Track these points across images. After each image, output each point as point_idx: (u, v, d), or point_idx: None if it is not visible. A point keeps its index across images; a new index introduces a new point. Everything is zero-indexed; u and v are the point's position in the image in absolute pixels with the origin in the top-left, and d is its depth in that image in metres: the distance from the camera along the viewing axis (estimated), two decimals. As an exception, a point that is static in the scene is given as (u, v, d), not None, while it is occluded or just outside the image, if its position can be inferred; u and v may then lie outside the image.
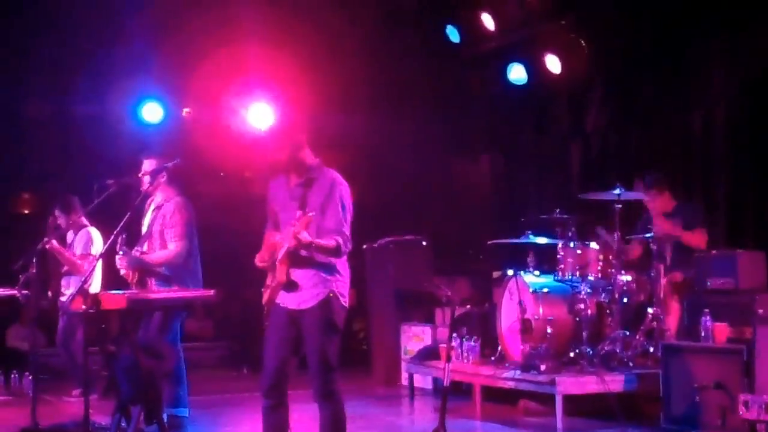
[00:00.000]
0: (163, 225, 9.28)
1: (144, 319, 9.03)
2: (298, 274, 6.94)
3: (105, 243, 8.06)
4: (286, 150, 7.08)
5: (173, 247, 9.18)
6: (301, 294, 6.96)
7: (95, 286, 11.47)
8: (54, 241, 11.64)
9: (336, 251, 6.90)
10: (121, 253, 8.97)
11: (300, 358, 7.09)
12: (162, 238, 9.28)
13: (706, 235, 10.88)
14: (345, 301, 7.07)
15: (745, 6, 11.52)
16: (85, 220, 12.15)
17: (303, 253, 6.89)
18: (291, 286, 6.92)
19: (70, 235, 12.26)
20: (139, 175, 9.15)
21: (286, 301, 7.01)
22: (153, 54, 14.62)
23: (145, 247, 9.28)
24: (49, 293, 12.23)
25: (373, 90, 15.65)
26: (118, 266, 9.06)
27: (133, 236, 9.24)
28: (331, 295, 6.96)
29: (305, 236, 6.64)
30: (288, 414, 7.16)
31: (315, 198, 6.95)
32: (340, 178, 7.11)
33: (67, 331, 11.98)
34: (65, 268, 12.14)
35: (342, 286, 7.05)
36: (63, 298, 11.95)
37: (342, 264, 7.08)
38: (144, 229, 9.45)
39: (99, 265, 11.04)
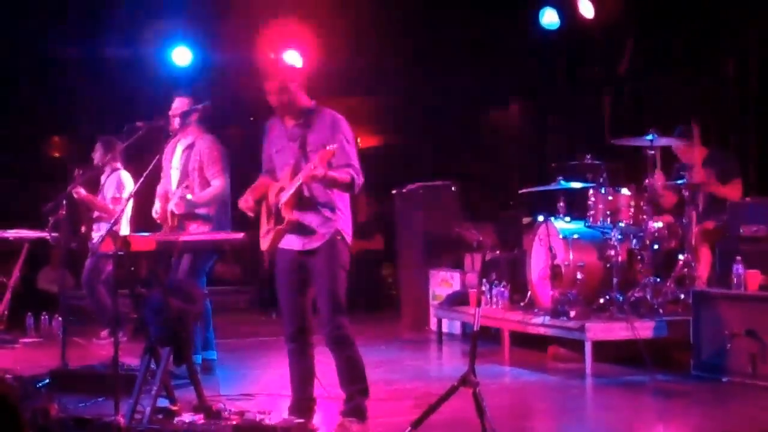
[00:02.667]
0: (201, 162, 9.29)
1: (174, 262, 9.06)
2: (303, 216, 6.90)
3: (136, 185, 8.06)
4: (282, 91, 7.01)
5: (218, 183, 9.22)
6: (307, 235, 6.94)
7: (124, 228, 11.50)
8: (81, 190, 11.64)
9: (351, 185, 6.86)
10: (176, 199, 9.01)
11: (313, 302, 7.07)
12: (201, 176, 9.29)
13: (741, 185, 10.79)
14: (349, 240, 7.04)
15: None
16: (119, 164, 12.17)
17: (306, 193, 6.85)
18: (297, 227, 6.89)
19: (102, 178, 12.27)
20: (169, 113, 9.13)
21: (291, 243, 6.99)
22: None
23: (185, 185, 9.28)
24: (80, 234, 12.26)
25: (404, 36, 15.58)
26: (176, 211, 9.08)
27: (156, 178, 9.26)
28: (336, 234, 6.94)
29: (320, 170, 6.57)
30: (313, 357, 7.17)
31: (316, 137, 6.90)
32: (338, 115, 7.04)
33: (92, 273, 12.01)
34: (96, 213, 12.16)
35: (345, 224, 7.03)
36: (93, 240, 11.98)
37: (344, 202, 7.04)
38: (174, 169, 9.45)
39: (129, 207, 11.07)
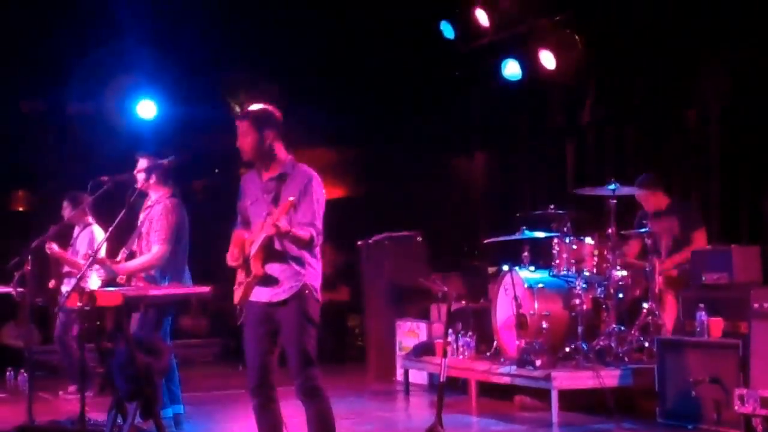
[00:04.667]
0: (149, 227, 9.28)
1: (140, 316, 9.04)
2: (272, 268, 6.93)
3: (103, 239, 8.06)
4: (259, 144, 7.07)
5: (155, 250, 9.14)
6: (275, 287, 6.96)
7: (93, 283, 11.46)
8: (54, 245, 11.62)
9: (310, 242, 6.89)
10: (95, 269, 8.97)
11: (281, 355, 7.08)
12: (148, 238, 9.27)
13: (705, 234, 10.91)
14: (318, 295, 7.06)
15: (740, 6, 11.54)
16: (90, 219, 12.14)
17: (277, 246, 6.89)
18: (266, 279, 6.92)
19: (75, 231, 12.24)
20: (134, 172, 9.14)
21: (260, 295, 7.00)
22: (147, 52, 14.63)
23: (135, 246, 9.27)
24: (51, 285, 12.21)
25: (367, 85, 15.67)
26: (99, 278, 9.06)
27: (130, 232, 9.25)
28: (305, 287, 6.96)
29: (284, 224, 6.64)
30: (279, 409, 7.15)
31: (289, 192, 6.94)
32: (314, 173, 7.09)
33: (64, 328, 11.97)
34: (66, 267, 12.13)
35: (314, 278, 7.04)
36: (62, 295, 11.93)
37: (314, 258, 7.07)
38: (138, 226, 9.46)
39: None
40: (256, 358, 7.06)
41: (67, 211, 11.98)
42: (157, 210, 9.30)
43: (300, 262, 6.96)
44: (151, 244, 9.19)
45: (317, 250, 7.07)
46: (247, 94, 14.60)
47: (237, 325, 7.20)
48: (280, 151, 7.14)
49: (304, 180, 7.02)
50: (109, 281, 9.03)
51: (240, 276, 7.06)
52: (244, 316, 7.10)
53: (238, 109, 14.43)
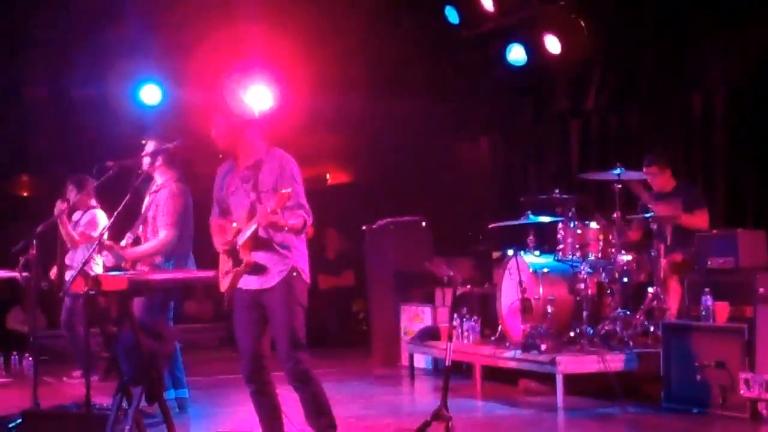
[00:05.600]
0: (156, 211, 9.27)
1: (144, 300, 9.03)
2: (259, 256, 6.95)
3: (107, 223, 8.05)
4: (232, 133, 7.10)
5: (162, 235, 9.13)
6: (264, 274, 6.97)
7: (97, 267, 11.48)
8: (64, 206, 11.63)
9: (303, 228, 6.94)
10: (100, 258, 8.97)
11: (271, 341, 7.09)
12: (154, 223, 9.26)
13: (707, 216, 10.88)
14: (306, 277, 7.08)
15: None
16: (94, 202, 12.12)
17: (262, 234, 6.90)
18: (255, 267, 6.93)
19: (77, 214, 12.23)
20: (141, 155, 9.13)
21: (249, 283, 7.02)
22: (151, 36, 14.61)
23: (140, 230, 9.27)
24: (52, 275, 12.21)
25: (372, 71, 15.65)
26: (106, 263, 9.06)
27: (135, 217, 9.25)
28: (293, 271, 6.97)
29: (280, 219, 6.68)
30: (276, 394, 7.18)
31: (266, 178, 6.97)
32: (287, 155, 7.12)
33: (70, 312, 11.97)
34: (69, 253, 12.12)
35: (301, 260, 7.07)
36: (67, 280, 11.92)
37: (299, 240, 7.08)
38: (143, 211, 9.45)
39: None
40: (247, 344, 7.10)
41: (72, 194, 11.96)
42: (163, 194, 9.29)
43: (286, 246, 6.99)
44: (158, 229, 9.18)
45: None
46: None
47: (229, 313, 7.20)
48: (255, 138, 7.15)
49: (279, 163, 7.03)
50: (116, 266, 9.03)
51: (226, 264, 7.08)
52: (234, 303, 7.12)
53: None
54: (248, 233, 6.84)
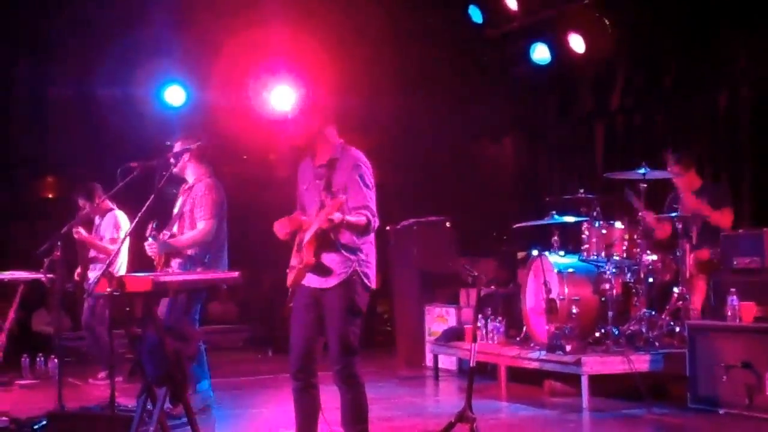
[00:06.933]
0: (193, 205, 9.31)
1: (169, 301, 9.05)
2: (324, 257, 6.94)
3: (131, 226, 8.09)
4: (310, 130, 7.10)
5: (201, 225, 9.22)
6: (326, 276, 6.96)
7: (121, 268, 11.52)
8: (82, 230, 11.75)
9: (366, 227, 6.89)
10: (150, 239, 9.01)
11: (325, 341, 7.08)
12: (192, 217, 9.31)
13: (733, 215, 10.83)
14: (369, 282, 7.05)
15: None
16: (110, 204, 12.18)
17: (329, 234, 6.89)
18: (318, 268, 6.92)
19: (96, 220, 12.29)
20: (167, 155, 9.15)
21: (311, 281, 7.01)
22: (176, 37, 14.64)
23: (175, 228, 9.31)
24: (77, 276, 12.26)
25: (397, 72, 15.63)
26: (149, 253, 9.10)
27: (162, 219, 9.27)
28: (354, 275, 6.95)
29: (338, 216, 6.64)
30: (318, 395, 7.15)
31: (339, 178, 6.95)
32: (363, 157, 7.10)
33: (92, 314, 12.02)
34: (92, 253, 12.18)
35: (366, 266, 7.04)
36: (90, 282, 11.96)
37: (367, 245, 7.05)
38: (176, 210, 9.48)
39: (125, 247, 11.09)
40: (300, 342, 7.07)
41: (87, 207, 12.05)
42: (199, 188, 9.35)
43: (351, 249, 6.95)
44: (196, 221, 9.24)
45: (372, 236, 7.07)
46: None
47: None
48: (331, 135, 7.15)
49: (353, 164, 7.01)
50: (158, 256, 9.07)
51: (293, 259, 7.08)
52: (295, 299, 7.11)
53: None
54: (311, 233, 6.84)
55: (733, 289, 9.20)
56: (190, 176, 9.49)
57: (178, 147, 9.27)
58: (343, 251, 6.94)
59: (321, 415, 7.22)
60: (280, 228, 7.11)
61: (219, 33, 14.38)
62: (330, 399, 7.19)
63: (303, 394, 7.12)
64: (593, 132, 14.80)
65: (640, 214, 10.60)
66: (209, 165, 9.53)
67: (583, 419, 9.41)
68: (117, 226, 12.09)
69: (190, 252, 9.21)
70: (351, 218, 6.78)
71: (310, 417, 7.20)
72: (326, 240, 6.90)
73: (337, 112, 7.24)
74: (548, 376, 10.63)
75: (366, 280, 7.02)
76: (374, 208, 6.96)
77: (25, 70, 14.81)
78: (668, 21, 12.94)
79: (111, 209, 12.22)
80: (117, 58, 14.58)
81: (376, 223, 6.94)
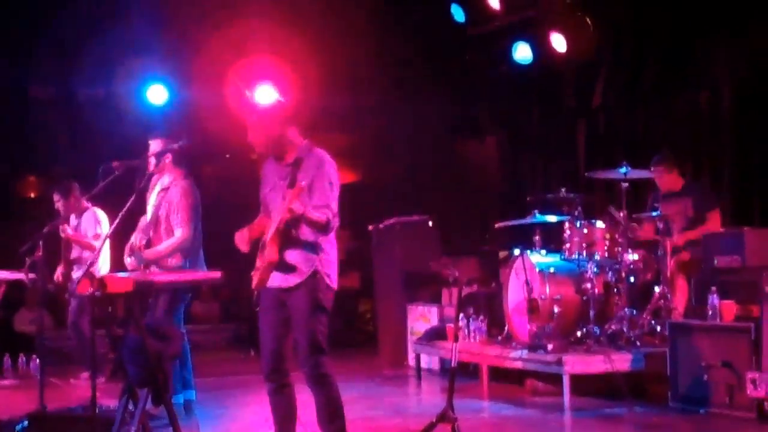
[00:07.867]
0: (169, 210, 9.28)
1: (150, 302, 9.04)
2: (287, 254, 6.93)
3: (111, 225, 8.06)
4: (270, 134, 7.09)
5: (179, 233, 9.17)
6: (289, 273, 6.95)
7: (103, 268, 11.49)
8: (68, 228, 11.71)
9: (326, 226, 6.89)
10: (131, 259, 9.00)
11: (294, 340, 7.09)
12: (168, 222, 9.28)
13: (719, 216, 10.85)
14: (331, 281, 7.06)
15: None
16: (86, 203, 12.14)
17: (292, 232, 6.88)
18: (281, 266, 6.91)
19: (72, 219, 12.25)
20: (147, 155, 9.13)
21: (274, 281, 7.00)
22: (158, 35, 14.61)
23: (151, 233, 9.28)
24: (59, 276, 12.22)
25: (378, 70, 15.63)
26: (129, 267, 9.07)
27: (138, 215, 9.24)
28: (317, 274, 6.95)
29: (297, 206, 6.63)
30: (293, 394, 7.17)
31: (303, 176, 6.94)
32: (327, 156, 7.10)
33: (76, 314, 11.99)
34: (75, 253, 12.15)
35: (328, 265, 7.04)
36: (73, 282, 11.93)
37: (329, 244, 7.06)
38: (149, 209, 9.44)
39: (106, 247, 11.06)
40: (270, 343, 7.08)
41: (60, 203, 12.04)
42: (174, 192, 9.32)
43: (313, 248, 6.96)
44: (172, 227, 9.21)
45: (332, 235, 7.06)
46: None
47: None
48: (294, 136, 7.15)
49: (318, 163, 7.01)
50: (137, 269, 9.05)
51: (257, 261, 7.06)
52: (261, 302, 7.11)
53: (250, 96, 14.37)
54: (273, 228, 6.83)
55: (713, 288, 9.22)
56: (166, 176, 9.46)
57: (156, 145, 9.25)
58: (304, 249, 6.94)
59: (297, 420, 7.23)
60: (241, 240, 7.11)
61: (201, 31, 14.37)
62: (307, 400, 7.19)
63: (278, 395, 7.13)
64: (575, 131, 14.82)
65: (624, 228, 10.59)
66: (186, 166, 9.50)
67: (565, 418, 9.42)
68: (98, 221, 12.07)
69: (170, 261, 9.18)
70: (311, 214, 6.79)
71: (287, 417, 7.21)
72: (288, 237, 6.88)
73: (298, 112, 7.24)
74: (530, 375, 10.64)
75: (328, 280, 7.03)
76: (336, 208, 6.97)
77: (5, 68, 14.74)
78: (650, 21, 12.98)
79: (87, 208, 12.19)
80: (99, 56, 14.55)
81: (336, 223, 6.96)
